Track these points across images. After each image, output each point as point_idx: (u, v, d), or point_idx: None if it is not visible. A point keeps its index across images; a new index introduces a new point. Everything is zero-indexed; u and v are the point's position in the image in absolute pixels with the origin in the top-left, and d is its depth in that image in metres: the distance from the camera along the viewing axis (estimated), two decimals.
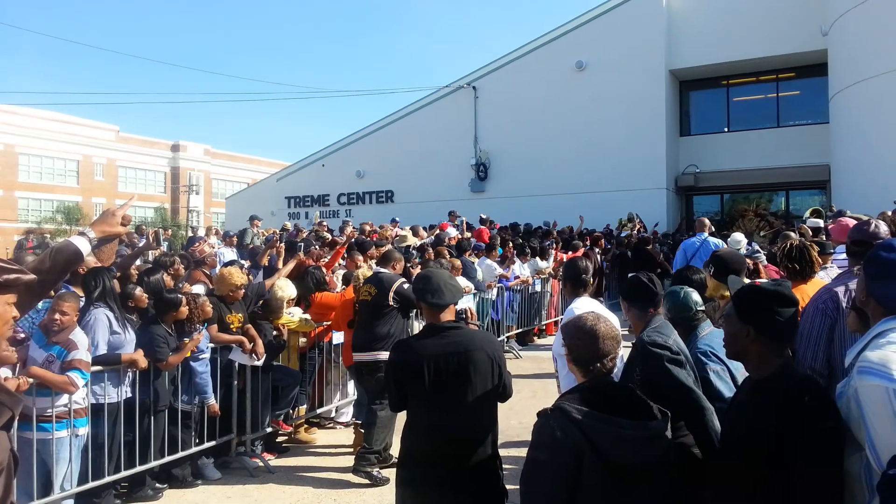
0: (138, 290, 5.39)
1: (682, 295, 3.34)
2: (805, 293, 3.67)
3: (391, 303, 5.76)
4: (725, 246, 7.89)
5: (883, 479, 1.79)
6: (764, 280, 2.52)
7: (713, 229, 11.19)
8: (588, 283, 4.26)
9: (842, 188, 17.10)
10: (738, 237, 8.50)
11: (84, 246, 2.27)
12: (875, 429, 1.88)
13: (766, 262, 6.25)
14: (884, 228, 3.36)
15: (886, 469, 1.80)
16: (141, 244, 8.65)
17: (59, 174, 49.78)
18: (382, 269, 6.09)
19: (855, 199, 13.27)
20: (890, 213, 6.60)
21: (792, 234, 7.95)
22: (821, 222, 9.79)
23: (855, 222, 5.94)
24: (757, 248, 8.46)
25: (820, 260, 4.12)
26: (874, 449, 1.88)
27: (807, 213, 14.09)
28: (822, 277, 4.29)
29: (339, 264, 8.75)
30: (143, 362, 4.94)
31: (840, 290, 3.12)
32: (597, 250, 13.66)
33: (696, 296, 3.37)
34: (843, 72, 17.11)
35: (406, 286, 5.84)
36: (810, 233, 7.25)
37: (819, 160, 19.05)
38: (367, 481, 5.39)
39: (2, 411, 1.53)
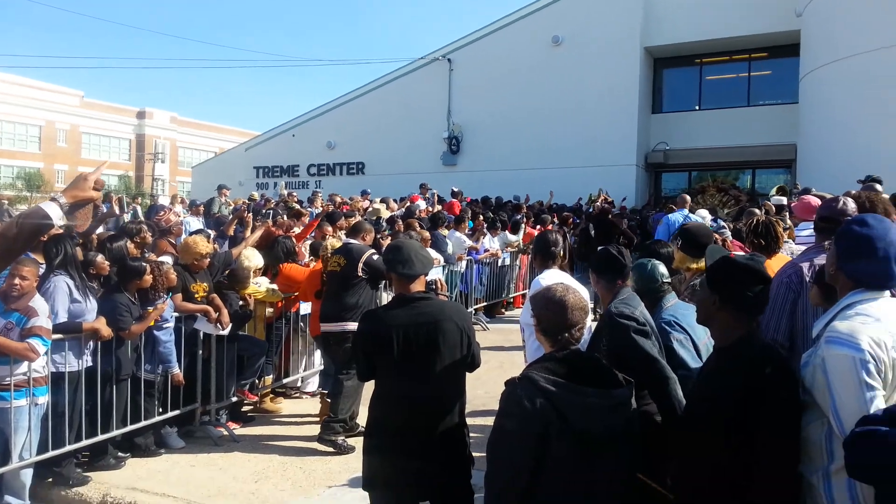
0: (99, 258, 5.27)
1: (649, 267, 3.42)
2: (770, 268, 3.72)
3: (360, 274, 5.72)
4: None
5: (849, 436, 1.85)
6: (738, 253, 2.57)
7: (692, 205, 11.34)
8: (557, 255, 4.27)
9: (808, 167, 17.39)
10: (703, 213, 8.61)
11: (54, 212, 2.16)
12: (840, 397, 1.93)
13: (731, 238, 6.33)
14: (851, 206, 3.42)
15: (854, 428, 1.85)
16: (104, 211, 8.44)
17: (21, 139, 48.38)
18: (352, 241, 6.04)
19: (820, 179, 13.48)
20: (854, 193, 6.72)
21: (756, 210, 8.08)
22: (785, 200, 9.96)
23: (819, 201, 6.05)
24: (722, 223, 8.58)
25: (785, 236, 4.18)
26: (838, 416, 1.94)
27: (773, 191, 14.33)
28: (784, 253, 4.37)
29: (310, 236, 8.66)
30: (105, 331, 4.84)
31: (805, 265, 3.19)
32: (564, 229, 13.69)
33: (662, 268, 3.44)
34: (816, 52, 17.29)
35: (376, 257, 5.80)
36: (774, 209, 7.35)
37: (786, 139, 19.32)
38: (332, 449, 5.39)
39: None
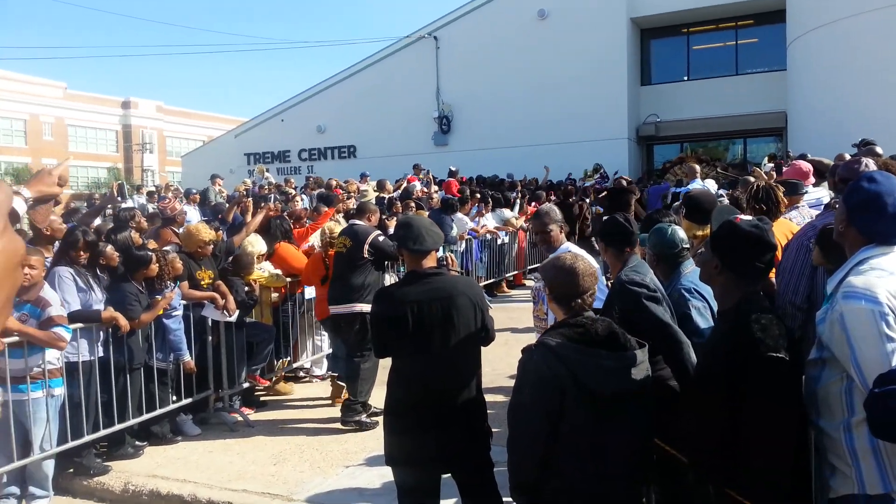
0: (108, 248, 5.29)
1: (668, 232, 3.38)
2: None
3: (366, 255, 5.74)
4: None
5: (869, 397, 1.91)
6: (747, 217, 2.58)
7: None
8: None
9: (798, 134, 17.45)
10: (710, 183, 8.64)
11: (19, 205, 2.20)
12: (861, 350, 1.99)
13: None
14: (873, 166, 3.43)
15: (872, 388, 1.92)
16: (97, 200, 8.38)
17: (6, 134, 47.80)
18: (357, 221, 6.06)
19: (812, 144, 13.54)
20: (847, 156, 6.78)
21: (751, 178, 8.13)
22: (772, 166, 10.01)
23: (809, 165, 6.11)
24: (721, 192, 8.65)
25: (785, 201, 4.23)
26: (860, 369, 2.00)
27: (765, 160, 14.39)
28: (794, 217, 4.41)
29: (304, 222, 8.66)
30: (123, 321, 4.88)
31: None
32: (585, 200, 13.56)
33: (682, 233, 3.41)
34: (803, 16, 17.27)
35: (381, 239, 5.84)
36: (775, 175, 7.39)
37: (776, 107, 19.36)
38: (352, 428, 5.48)
39: None
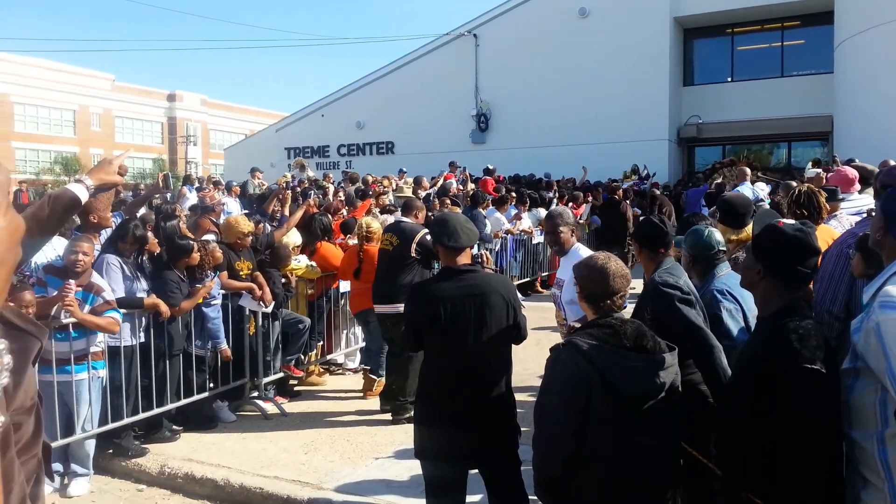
0: (151, 236, 5.45)
1: (705, 234, 3.36)
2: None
3: (413, 254, 5.64)
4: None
5: None
6: (790, 221, 2.52)
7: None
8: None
9: (845, 139, 17.03)
10: (761, 186, 8.51)
11: (82, 193, 2.28)
12: None
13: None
14: None
15: None
16: (142, 190, 8.62)
17: (56, 124, 49.16)
18: (405, 219, 6.00)
19: (858, 149, 13.20)
20: (892, 162, 6.60)
21: (793, 182, 7.98)
22: (821, 172, 9.78)
23: (855, 172, 5.96)
24: (761, 195, 8.51)
25: (827, 206, 4.16)
26: (895, 381, 1.95)
27: (808, 165, 14.08)
28: (835, 226, 4.32)
29: (342, 214, 8.77)
30: (164, 308, 5.03)
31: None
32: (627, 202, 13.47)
33: (718, 235, 3.39)
34: (852, 18, 16.85)
35: (429, 238, 5.81)
36: (825, 180, 7.21)
37: (822, 111, 18.91)
38: (390, 418, 5.56)
39: (31, 342, 1.51)
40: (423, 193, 12.16)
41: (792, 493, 2.13)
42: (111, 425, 4.84)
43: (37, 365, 2.21)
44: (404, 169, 15.84)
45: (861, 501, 2.12)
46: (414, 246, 5.64)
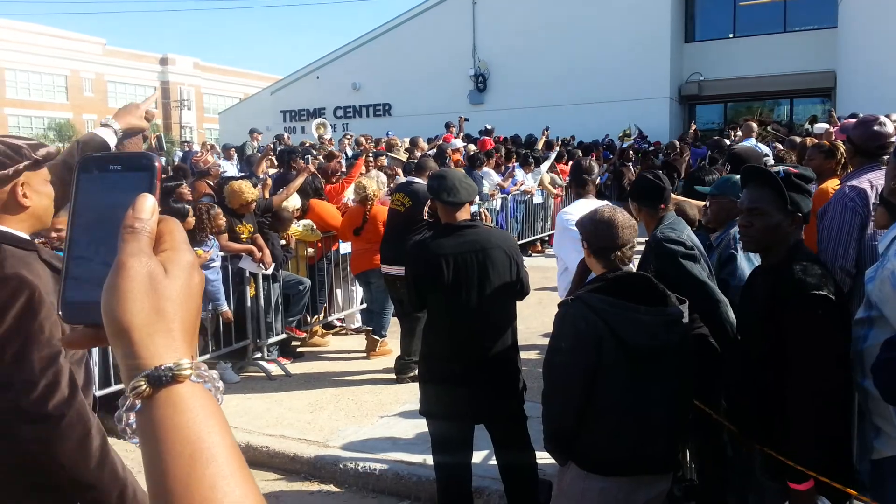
0: None
1: (733, 180, 3.33)
2: (825, 193, 3.60)
3: (426, 216, 5.55)
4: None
5: (876, 363, 1.85)
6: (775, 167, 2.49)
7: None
8: (591, 182, 4.26)
9: (848, 95, 16.82)
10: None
11: (110, 138, 2.19)
12: None
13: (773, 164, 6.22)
14: (889, 123, 3.28)
15: (880, 354, 1.86)
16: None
17: (48, 90, 48.60)
18: (416, 179, 5.90)
19: (861, 104, 13.05)
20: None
21: (797, 139, 7.87)
22: (829, 126, 9.65)
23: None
24: (765, 150, 8.41)
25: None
26: None
27: (806, 122, 13.94)
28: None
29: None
30: None
31: (866, 185, 3.03)
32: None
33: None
34: None
35: None
36: (833, 134, 7.08)
37: (825, 66, 18.67)
38: (401, 381, 5.54)
39: None
40: (419, 154, 12.04)
41: (800, 439, 2.11)
42: (114, 387, 4.84)
43: None
44: (391, 132, 15.65)
45: (875, 450, 2.11)
46: (427, 209, 5.54)
